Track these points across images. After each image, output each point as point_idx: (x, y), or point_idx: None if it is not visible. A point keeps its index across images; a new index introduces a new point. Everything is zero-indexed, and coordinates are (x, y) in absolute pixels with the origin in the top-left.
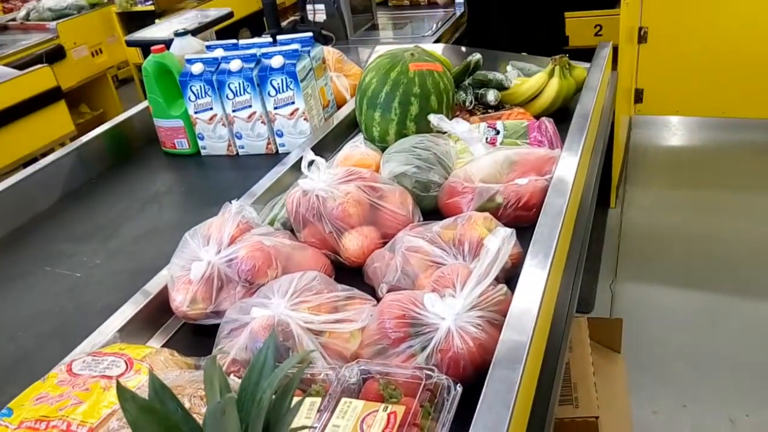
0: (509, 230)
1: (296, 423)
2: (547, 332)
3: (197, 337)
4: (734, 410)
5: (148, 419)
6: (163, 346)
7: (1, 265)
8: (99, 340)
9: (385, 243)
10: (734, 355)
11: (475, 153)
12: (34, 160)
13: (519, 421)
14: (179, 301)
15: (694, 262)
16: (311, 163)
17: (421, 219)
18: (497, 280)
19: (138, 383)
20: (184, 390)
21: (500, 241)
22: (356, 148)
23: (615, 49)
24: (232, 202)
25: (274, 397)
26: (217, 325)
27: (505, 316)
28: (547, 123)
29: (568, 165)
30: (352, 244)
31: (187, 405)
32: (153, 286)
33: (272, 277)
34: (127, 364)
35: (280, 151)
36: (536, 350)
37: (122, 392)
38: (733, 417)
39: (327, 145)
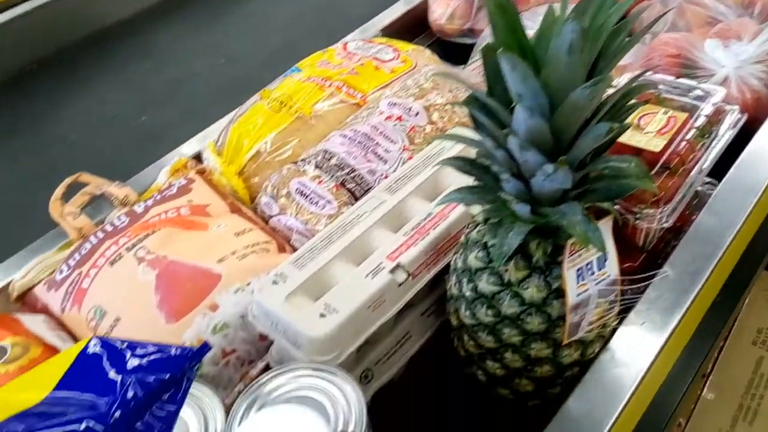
0: None
1: None
2: None
3: (446, 59)
4: None
5: (502, 15)
6: None
7: None
8: (363, 36)
9: None
10: None
11: None
12: None
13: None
14: (438, 14)
15: None
16: None
17: None
18: None
19: (404, 70)
20: (444, 86)
21: None
22: None
23: None
24: None
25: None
26: (468, 47)
27: None
28: None
29: None
30: None
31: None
32: None
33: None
34: (394, 53)
35: None
36: None
37: None
38: None
39: None
